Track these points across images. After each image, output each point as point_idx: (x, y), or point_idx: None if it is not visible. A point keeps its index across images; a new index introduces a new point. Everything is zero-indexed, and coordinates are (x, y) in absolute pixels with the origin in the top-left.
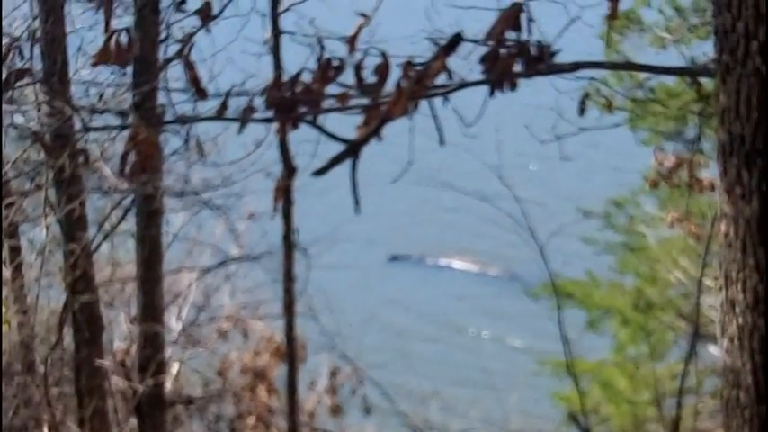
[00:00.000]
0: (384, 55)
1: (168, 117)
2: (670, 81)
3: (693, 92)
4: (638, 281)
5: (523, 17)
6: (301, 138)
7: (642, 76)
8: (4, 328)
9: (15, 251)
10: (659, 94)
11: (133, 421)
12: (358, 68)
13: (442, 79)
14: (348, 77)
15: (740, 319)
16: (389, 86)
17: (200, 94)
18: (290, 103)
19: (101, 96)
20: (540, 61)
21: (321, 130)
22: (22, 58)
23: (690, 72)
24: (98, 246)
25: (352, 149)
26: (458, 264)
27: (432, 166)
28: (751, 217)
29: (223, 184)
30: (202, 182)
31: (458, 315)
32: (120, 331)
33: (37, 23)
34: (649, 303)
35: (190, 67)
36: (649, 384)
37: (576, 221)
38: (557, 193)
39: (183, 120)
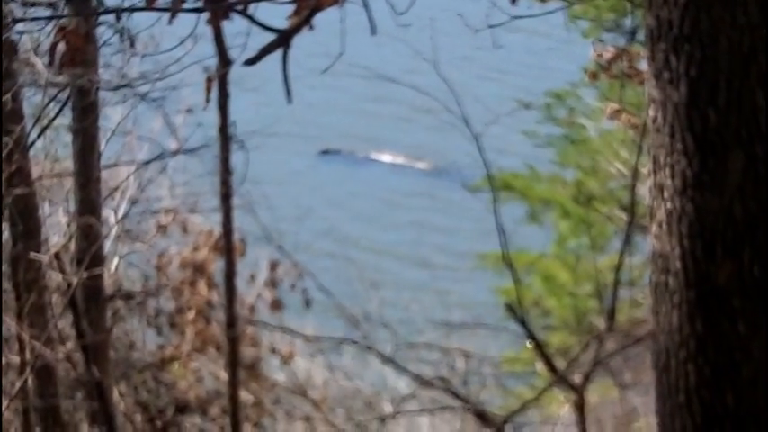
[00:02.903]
0: None
1: (100, 9)
2: None
3: None
4: (579, 173)
5: None
6: (237, 31)
7: None
8: None
9: None
10: None
11: (71, 316)
12: None
13: None
14: None
15: (669, 204)
16: None
17: None
18: None
19: None
20: None
21: (252, 19)
22: None
23: None
24: (34, 140)
25: (284, 39)
26: (388, 158)
27: (364, 58)
28: (679, 102)
29: (159, 77)
30: (139, 75)
31: (388, 211)
32: (58, 226)
33: None
34: (590, 196)
35: None
36: (590, 277)
37: (514, 113)
38: (489, 88)
39: (114, 10)
